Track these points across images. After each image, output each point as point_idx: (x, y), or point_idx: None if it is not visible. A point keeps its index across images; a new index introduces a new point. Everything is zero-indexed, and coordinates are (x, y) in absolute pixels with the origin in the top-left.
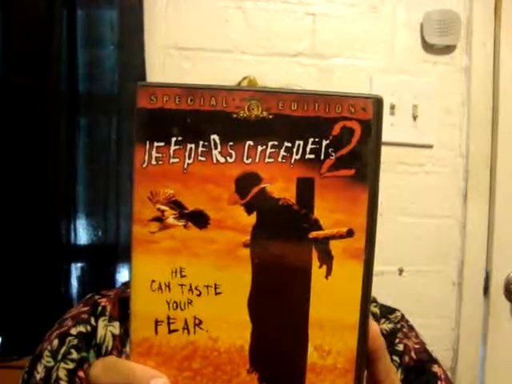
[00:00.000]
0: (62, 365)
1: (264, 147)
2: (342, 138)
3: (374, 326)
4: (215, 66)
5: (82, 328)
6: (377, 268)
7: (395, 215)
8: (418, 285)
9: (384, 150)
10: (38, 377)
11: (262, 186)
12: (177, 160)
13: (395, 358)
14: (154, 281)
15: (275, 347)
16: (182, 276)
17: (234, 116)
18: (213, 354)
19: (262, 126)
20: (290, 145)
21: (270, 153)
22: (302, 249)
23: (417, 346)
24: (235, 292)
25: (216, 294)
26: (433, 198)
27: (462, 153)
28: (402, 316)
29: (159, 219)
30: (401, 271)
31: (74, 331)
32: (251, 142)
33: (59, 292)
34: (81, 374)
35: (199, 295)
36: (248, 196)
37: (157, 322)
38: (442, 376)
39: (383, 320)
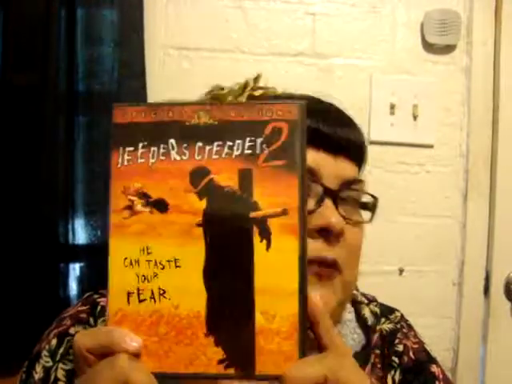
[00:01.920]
0: (61, 365)
1: (211, 147)
2: (272, 135)
3: (312, 294)
4: (215, 66)
5: (80, 328)
6: (377, 268)
7: (395, 215)
8: (418, 285)
9: (384, 149)
10: (37, 377)
11: (211, 176)
12: (143, 160)
13: (394, 358)
14: (126, 258)
15: (227, 313)
16: (148, 253)
17: (187, 124)
18: (175, 320)
19: (208, 131)
20: (231, 143)
21: (216, 151)
22: (245, 227)
23: (415, 346)
24: (192, 265)
25: (176, 267)
26: (433, 198)
27: (462, 153)
28: (402, 316)
29: (130, 207)
30: (401, 271)
31: (72, 331)
32: (200, 143)
33: (57, 292)
34: None
35: (163, 269)
36: (199, 185)
37: (129, 294)
38: (441, 376)
39: (383, 320)
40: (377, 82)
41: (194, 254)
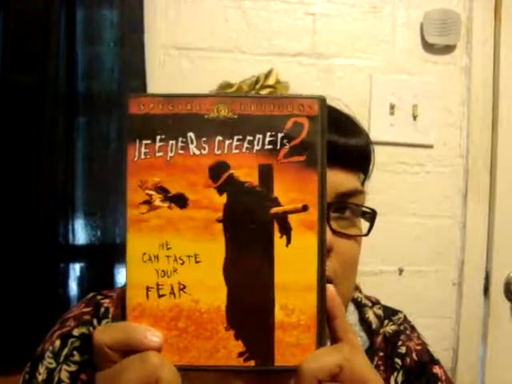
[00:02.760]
0: (65, 367)
1: (231, 141)
2: (293, 130)
3: (330, 288)
4: (215, 66)
5: (84, 330)
6: (377, 268)
7: (395, 215)
8: (417, 285)
9: (384, 149)
10: (40, 378)
11: (230, 172)
12: (161, 154)
13: (397, 360)
14: (145, 253)
15: (247, 307)
16: (167, 248)
17: (206, 117)
18: (195, 315)
19: (228, 124)
20: (251, 138)
21: (236, 145)
22: (265, 222)
23: (418, 347)
24: (212, 260)
25: (196, 262)
26: (433, 198)
27: (462, 153)
28: (405, 317)
29: (148, 202)
30: (401, 271)
31: (76, 332)
32: (220, 137)
33: (57, 292)
34: (83, 376)
35: (182, 264)
36: (219, 180)
37: (148, 289)
38: (443, 377)
39: (387, 322)
40: (377, 82)
41: (214, 249)
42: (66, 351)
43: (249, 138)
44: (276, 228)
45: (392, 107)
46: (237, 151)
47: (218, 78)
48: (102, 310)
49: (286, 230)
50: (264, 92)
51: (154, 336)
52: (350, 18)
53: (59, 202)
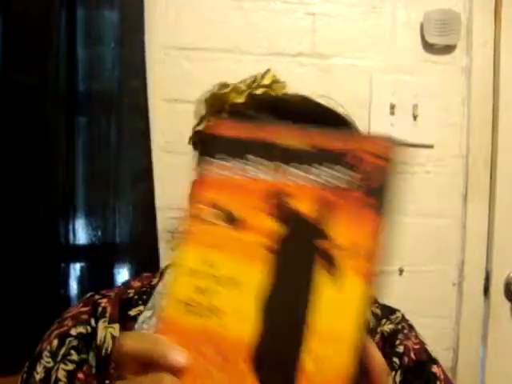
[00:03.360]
0: (62, 366)
1: (297, 170)
2: (365, 171)
3: (372, 346)
4: (215, 66)
5: (81, 329)
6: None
7: (395, 215)
8: (418, 285)
9: None
10: (38, 377)
11: (290, 200)
12: (226, 173)
13: (395, 359)
14: (188, 267)
15: (275, 347)
16: (210, 266)
17: (279, 145)
18: (221, 342)
19: (298, 154)
20: (318, 171)
21: (301, 175)
22: (313, 259)
23: (416, 347)
24: (251, 289)
25: (235, 287)
26: (433, 198)
27: (462, 153)
28: (403, 316)
29: (202, 217)
30: (401, 271)
31: (73, 332)
32: (287, 166)
33: (58, 292)
34: (80, 375)
35: (221, 285)
36: (276, 207)
37: (181, 303)
38: (442, 376)
39: (384, 321)
40: (377, 82)
41: (256, 277)
42: (63, 350)
43: (316, 170)
44: (324, 267)
45: (392, 107)
46: (300, 182)
47: (218, 78)
48: (100, 309)
49: (334, 272)
50: (259, 91)
51: (179, 357)
52: (350, 18)
53: (59, 202)
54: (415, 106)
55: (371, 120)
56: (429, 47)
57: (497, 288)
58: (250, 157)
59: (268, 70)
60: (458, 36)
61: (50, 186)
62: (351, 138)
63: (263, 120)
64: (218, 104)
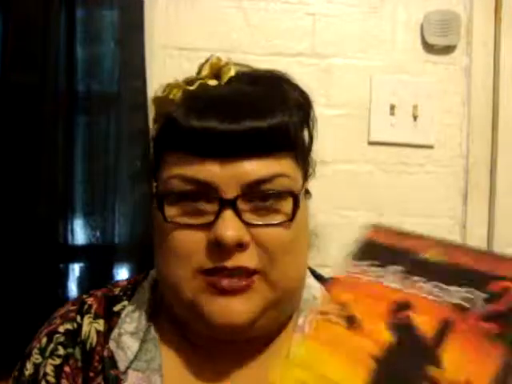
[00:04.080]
0: (50, 361)
1: (427, 284)
2: (498, 295)
3: None
4: None
5: (68, 326)
6: None
7: (395, 215)
8: None
9: (384, 150)
10: (27, 373)
11: (410, 313)
12: (364, 277)
13: None
14: (300, 358)
15: None
16: (319, 364)
17: (417, 256)
18: None
19: (432, 267)
20: (447, 287)
21: (429, 290)
22: (417, 382)
23: None
24: None
25: None
26: (433, 198)
27: (462, 153)
28: None
29: (328, 314)
30: None
31: (61, 329)
32: (417, 278)
33: (56, 293)
34: (66, 369)
35: (323, 380)
36: (394, 317)
37: None
38: None
39: None
40: (377, 82)
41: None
42: (51, 347)
43: (445, 286)
44: None
45: (392, 107)
46: (424, 295)
47: None
48: (86, 306)
49: None
50: (195, 85)
51: None
52: (350, 18)
53: (59, 202)
54: (415, 107)
55: (371, 120)
56: (429, 47)
57: None
58: (392, 266)
59: (207, 60)
60: (458, 36)
61: (49, 185)
62: (491, 258)
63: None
64: (161, 106)
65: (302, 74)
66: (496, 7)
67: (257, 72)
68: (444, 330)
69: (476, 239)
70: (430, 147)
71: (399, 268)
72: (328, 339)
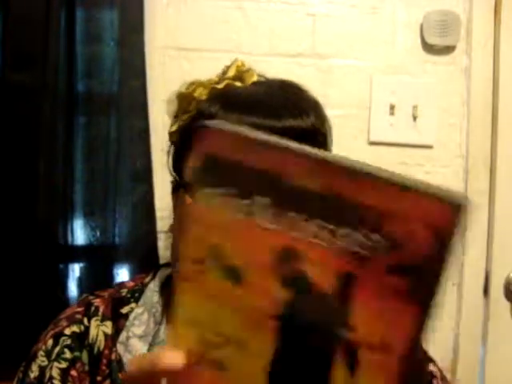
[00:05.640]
0: (56, 364)
1: (313, 225)
2: (404, 239)
3: None
4: (215, 66)
5: (75, 328)
6: None
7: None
8: None
9: (384, 150)
10: (32, 375)
11: (303, 265)
12: (227, 211)
13: None
14: (190, 317)
15: None
16: (214, 320)
17: (293, 183)
18: None
19: (316, 202)
20: (342, 230)
21: (318, 233)
22: (328, 346)
23: None
24: (256, 355)
25: (241, 348)
26: None
27: (462, 153)
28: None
29: (202, 262)
30: None
31: (67, 331)
32: (301, 216)
33: (56, 293)
34: (73, 372)
35: (226, 342)
36: (286, 271)
37: (186, 353)
38: (439, 374)
39: None
40: (377, 82)
41: (263, 346)
42: (57, 349)
43: (340, 229)
44: (340, 357)
45: (392, 107)
46: (318, 241)
47: None
48: (93, 308)
49: (352, 365)
50: (222, 85)
51: (175, 359)
52: (350, 18)
53: (58, 202)
54: (415, 107)
55: (371, 120)
56: (429, 48)
57: (496, 288)
58: (257, 196)
59: (234, 61)
60: (457, 37)
61: (48, 185)
62: (390, 191)
63: (264, 134)
64: (185, 103)
65: (301, 75)
66: (496, 7)
67: (274, 79)
68: (347, 286)
69: (476, 239)
70: (430, 147)
71: (267, 200)
72: (212, 293)
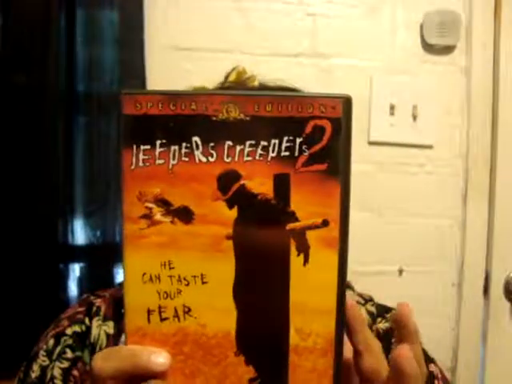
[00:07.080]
0: (57, 364)
1: (242, 147)
2: (313, 135)
3: (350, 301)
4: (215, 66)
5: (76, 328)
6: (377, 268)
7: (395, 215)
8: (418, 285)
9: (384, 150)
10: (33, 375)
11: (242, 182)
12: (162, 161)
13: None
14: (145, 273)
15: (259, 331)
16: (170, 268)
17: (213, 119)
18: (202, 339)
19: (239, 127)
20: (266, 144)
21: (248, 152)
22: (281, 239)
23: None
24: (220, 281)
25: (203, 283)
26: (433, 198)
27: (462, 153)
28: None
29: (148, 216)
30: (401, 271)
31: (69, 331)
32: (230, 143)
33: (56, 293)
34: (75, 372)
35: (187, 285)
36: (229, 192)
37: (149, 312)
38: (439, 375)
39: (380, 319)
40: (377, 82)
41: (223, 269)
42: (58, 349)
43: (263, 143)
44: (292, 245)
45: (392, 107)
46: (249, 158)
47: (218, 78)
48: (94, 308)
49: (304, 248)
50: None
51: (159, 358)
52: (350, 18)
53: (59, 202)
54: (415, 107)
55: (371, 120)
56: (428, 48)
57: (496, 288)
58: (188, 137)
59: (234, 68)
60: (457, 37)
61: (49, 185)
62: (291, 102)
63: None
64: None
65: (301, 75)
66: (496, 7)
67: (274, 87)
68: (282, 185)
69: (476, 239)
70: (430, 147)
71: (202, 137)
72: (162, 242)
